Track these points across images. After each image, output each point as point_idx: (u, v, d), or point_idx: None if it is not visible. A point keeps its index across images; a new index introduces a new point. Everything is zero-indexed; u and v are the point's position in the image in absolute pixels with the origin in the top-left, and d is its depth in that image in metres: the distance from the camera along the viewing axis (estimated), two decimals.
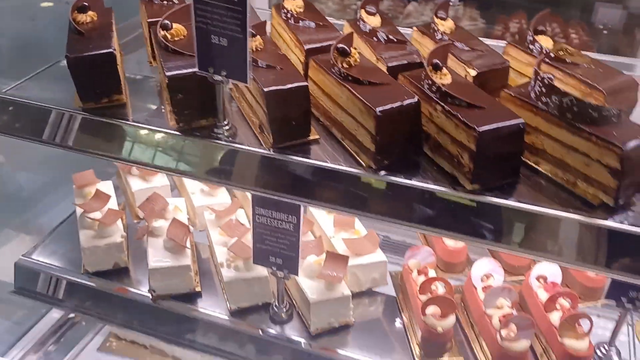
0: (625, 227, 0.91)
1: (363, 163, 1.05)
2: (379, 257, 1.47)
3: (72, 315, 2.01)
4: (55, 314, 2.07)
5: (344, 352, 1.35)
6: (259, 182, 1.12)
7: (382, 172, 1.02)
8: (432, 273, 1.43)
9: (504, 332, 1.26)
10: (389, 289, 1.53)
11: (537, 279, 1.41)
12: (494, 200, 0.98)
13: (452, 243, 1.54)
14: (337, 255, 1.38)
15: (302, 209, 1.22)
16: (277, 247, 1.31)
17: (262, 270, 1.40)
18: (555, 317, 1.31)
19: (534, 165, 1.04)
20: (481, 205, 0.99)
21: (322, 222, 1.59)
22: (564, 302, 1.32)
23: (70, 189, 1.70)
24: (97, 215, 1.51)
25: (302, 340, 1.37)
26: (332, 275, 1.34)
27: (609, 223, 0.92)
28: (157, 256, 1.43)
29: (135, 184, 1.70)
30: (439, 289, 1.35)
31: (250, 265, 1.40)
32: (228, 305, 1.42)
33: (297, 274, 1.32)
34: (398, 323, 1.43)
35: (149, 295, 1.46)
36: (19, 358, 1.80)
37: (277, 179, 1.10)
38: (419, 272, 1.42)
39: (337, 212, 1.12)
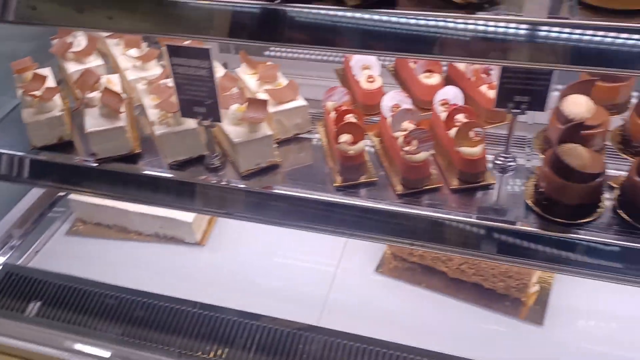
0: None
1: None
2: (299, 103, 1.60)
3: (36, 205, 2.17)
4: (22, 205, 2.24)
5: (273, 189, 1.50)
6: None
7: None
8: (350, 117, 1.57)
9: (407, 148, 1.41)
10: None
11: (441, 104, 1.55)
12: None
13: (369, 85, 1.67)
14: (257, 100, 1.50)
15: (211, 53, 1.34)
16: (198, 96, 1.43)
17: (190, 123, 1.53)
18: (454, 132, 1.46)
19: None
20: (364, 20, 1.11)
21: (246, 79, 1.71)
22: (462, 118, 1.47)
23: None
24: (36, 92, 1.62)
25: (235, 182, 1.52)
26: (253, 117, 1.47)
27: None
28: (93, 121, 1.55)
29: (71, 66, 1.79)
30: (353, 119, 1.49)
31: (179, 120, 1.53)
32: (165, 160, 1.57)
33: (220, 120, 1.45)
34: (322, 160, 1.58)
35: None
36: None
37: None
38: (335, 110, 1.55)
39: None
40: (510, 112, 1.40)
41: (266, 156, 1.52)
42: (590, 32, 1.04)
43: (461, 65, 1.70)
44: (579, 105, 1.44)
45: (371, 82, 1.66)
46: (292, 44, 1.19)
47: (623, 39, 1.03)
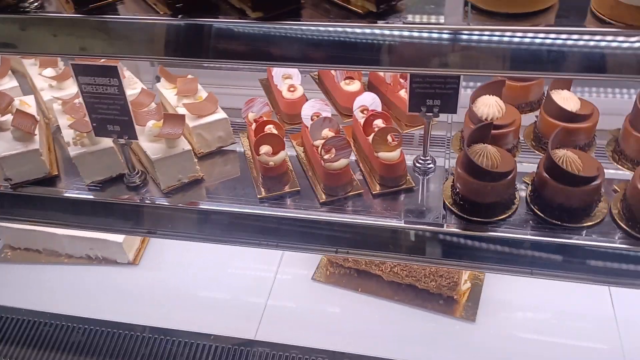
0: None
1: (160, 11, 1.14)
2: (219, 116, 1.58)
3: None
4: None
5: (196, 204, 1.48)
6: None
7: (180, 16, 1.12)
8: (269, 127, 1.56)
9: (326, 156, 1.42)
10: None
11: (360, 110, 1.57)
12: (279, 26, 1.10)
13: (290, 95, 1.67)
14: (173, 115, 1.48)
15: (120, 70, 1.31)
16: (110, 114, 1.40)
17: (106, 142, 1.50)
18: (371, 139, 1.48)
19: None
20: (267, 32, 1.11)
21: (166, 94, 1.69)
22: (380, 124, 1.49)
23: None
24: None
25: (157, 199, 1.50)
26: (169, 132, 1.45)
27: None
28: (6, 145, 1.49)
29: None
30: (272, 130, 1.49)
31: (94, 139, 1.49)
32: (84, 181, 1.53)
33: (136, 138, 1.43)
34: (247, 172, 1.58)
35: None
36: None
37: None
38: (256, 121, 1.55)
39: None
40: (424, 116, 1.42)
41: (187, 171, 1.50)
42: (486, 35, 1.07)
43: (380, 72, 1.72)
44: (489, 106, 1.48)
45: (292, 91, 1.67)
46: (196, 58, 1.18)
47: (517, 41, 1.07)
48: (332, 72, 1.76)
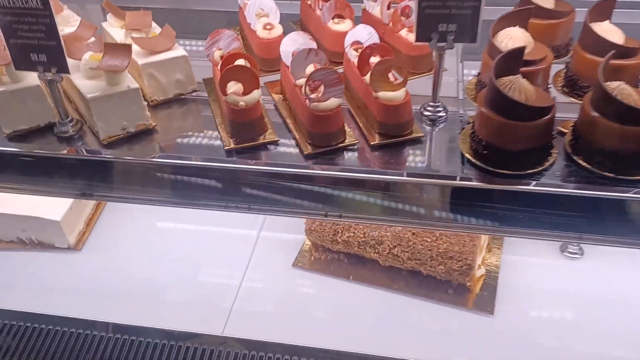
0: None
1: None
2: (177, 53, 1.27)
3: None
4: None
5: (145, 159, 1.16)
6: None
7: None
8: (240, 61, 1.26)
9: (312, 95, 1.12)
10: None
11: (354, 48, 1.27)
12: None
13: (266, 34, 1.37)
14: (116, 45, 1.17)
15: None
16: (34, 38, 1.08)
17: (31, 79, 1.17)
18: (368, 77, 1.18)
19: None
20: None
21: (113, 32, 1.37)
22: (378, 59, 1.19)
23: None
24: None
25: (97, 150, 1.17)
26: (112, 65, 1.13)
27: None
28: None
29: None
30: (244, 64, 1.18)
31: (15, 75, 1.16)
32: (3, 130, 1.20)
33: (67, 71, 1.11)
34: (212, 125, 1.26)
35: None
36: None
37: None
38: (221, 57, 1.24)
39: None
40: (434, 47, 1.13)
41: (134, 117, 1.17)
42: None
43: (376, 9, 1.43)
44: (514, 39, 1.20)
45: (269, 29, 1.37)
46: None
47: None
48: (318, 11, 1.46)
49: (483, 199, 1.06)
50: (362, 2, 1.47)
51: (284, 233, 1.73)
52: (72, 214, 1.67)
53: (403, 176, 1.07)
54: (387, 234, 1.48)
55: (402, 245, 1.47)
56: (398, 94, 1.13)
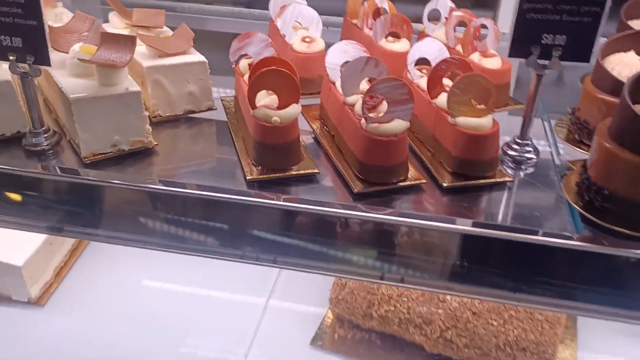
0: None
1: None
2: (194, 58, 1.00)
3: None
4: None
5: (133, 183, 0.86)
6: None
7: None
8: None
9: (371, 114, 0.84)
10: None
11: (418, 68, 1.00)
12: None
13: (305, 48, 1.11)
14: (118, 35, 0.89)
15: None
16: (8, 15, 0.82)
17: (2, 73, 0.90)
18: (442, 100, 0.91)
19: None
20: None
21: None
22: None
23: None
24: None
25: (74, 170, 0.87)
26: (109, 59, 0.86)
27: None
28: None
29: None
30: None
31: None
32: None
33: (48, 62, 0.83)
34: (227, 148, 0.97)
35: None
36: None
37: None
38: (250, 66, 0.96)
39: None
40: (533, 65, 0.87)
41: (130, 130, 0.88)
42: None
43: (438, 32, 1.19)
44: (630, 66, 0.94)
45: (309, 42, 1.11)
46: None
47: None
48: (366, 29, 1.22)
49: (599, 266, 0.76)
50: (422, 23, 1.23)
51: (301, 303, 1.39)
52: (38, 259, 1.34)
53: (492, 229, 0.77)
54: (439, 310, 1.15)
55: (459, 328, 1.14)
56: (483, 122, 0.85)
